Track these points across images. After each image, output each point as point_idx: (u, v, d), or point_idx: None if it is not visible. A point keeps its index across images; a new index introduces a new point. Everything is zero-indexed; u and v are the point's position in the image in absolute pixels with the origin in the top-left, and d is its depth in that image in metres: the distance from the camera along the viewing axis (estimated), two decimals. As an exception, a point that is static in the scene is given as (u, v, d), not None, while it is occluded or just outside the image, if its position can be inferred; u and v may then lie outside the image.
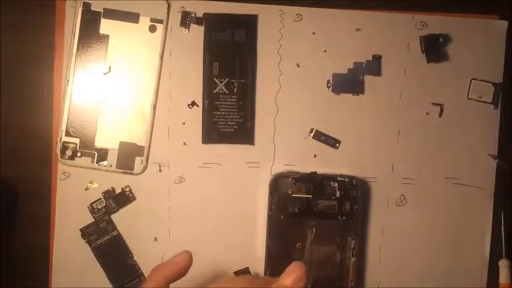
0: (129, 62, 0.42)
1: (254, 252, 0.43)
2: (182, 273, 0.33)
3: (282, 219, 0.42)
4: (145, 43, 0.42)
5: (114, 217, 0.43)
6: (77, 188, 0.43)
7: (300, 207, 0.42)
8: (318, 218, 0.42)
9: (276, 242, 0.42)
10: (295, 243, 0.42)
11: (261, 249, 0.43)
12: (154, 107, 0.43)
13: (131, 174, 0.43)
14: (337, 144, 0.44)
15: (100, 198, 0.43)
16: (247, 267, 0.43)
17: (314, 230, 0.42)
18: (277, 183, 0.42)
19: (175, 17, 0.43)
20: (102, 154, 0.42)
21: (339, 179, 0.42)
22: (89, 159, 0.42)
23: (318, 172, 0.42)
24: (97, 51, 0.42)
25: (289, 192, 0.42)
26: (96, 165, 0.42)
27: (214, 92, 0.43)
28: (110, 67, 0.42)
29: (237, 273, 0.43)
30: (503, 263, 0.44)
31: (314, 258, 0.42)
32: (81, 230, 0.43)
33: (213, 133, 0.43)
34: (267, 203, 0.42)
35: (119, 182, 0.43)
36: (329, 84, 0.44)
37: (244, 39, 0.43)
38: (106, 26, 0.42)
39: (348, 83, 0.43)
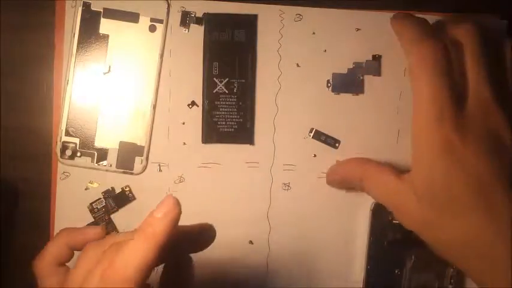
0: (129, 62, 0.42)
1: (255, 252, 0.43)
2: (86, 243, 0.31)
3: (383, 245, 0.42)
4: (145, 43, 0.42)
5: (114, 217, 0.43)
6: (76, 188, 0.43)
7: (401, 235, 0.41)
8: (417, 246, 0.40)
9: (376, 268, 0.42)
10: (394, 269, 0.42)
11: (263, 249, 0.43)
12: (154, 106, 0.43)
13: (131, 174, 0.43)
14: (337, 144, 0.44)
15: (100, 198, 0.43)
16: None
17: (413, 258, 0.42)
18: (377, 209, 0.42)
19: (175, 17, 0.43)
20: (102, 154, 0.42)
21: None
22: (89, 159, 0.42)
23: None
24: (97, 51, 0.42)
25: (390, 218, 0.42)
26: (96, 165, 0.42)
27: (214, 91, 0.43)
28: (109, 67, 0.42)
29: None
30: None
31: (412, 286, 0.42)
32: (81, 230, 0.43)
33: (213, 133, 0.43)
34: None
35: (118, 181, 0.43)
36: (329, 84, 0.44)
37: (244, 39, 0.43)
38: (106, 25, 0.42)
39: (348, 83, 0.43)
